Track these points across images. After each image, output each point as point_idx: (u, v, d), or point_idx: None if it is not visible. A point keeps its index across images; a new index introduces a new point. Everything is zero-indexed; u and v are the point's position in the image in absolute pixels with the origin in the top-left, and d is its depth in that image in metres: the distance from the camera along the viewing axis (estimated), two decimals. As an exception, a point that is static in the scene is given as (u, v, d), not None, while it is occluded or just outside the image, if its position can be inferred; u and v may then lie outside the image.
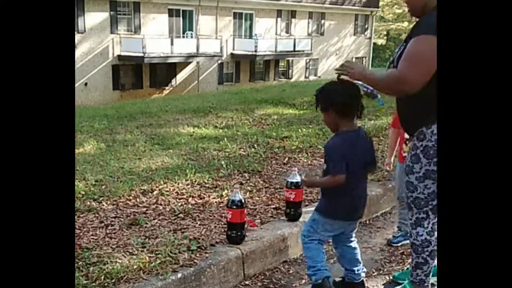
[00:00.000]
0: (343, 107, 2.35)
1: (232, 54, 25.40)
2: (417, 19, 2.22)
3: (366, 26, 32.37)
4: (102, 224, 3.10)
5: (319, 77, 28.20)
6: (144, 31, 21.73)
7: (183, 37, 23.37)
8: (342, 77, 2.40)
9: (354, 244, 2.61)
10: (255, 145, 5.13)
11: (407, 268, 2.75)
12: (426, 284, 2.40)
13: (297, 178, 3.09)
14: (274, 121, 6.58)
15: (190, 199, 3.55)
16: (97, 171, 4.15)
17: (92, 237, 2.89)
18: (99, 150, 5.01)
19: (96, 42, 20.78)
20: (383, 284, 2.78)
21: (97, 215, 3.24)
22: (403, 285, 2.53)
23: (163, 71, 23.11)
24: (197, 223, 3.11)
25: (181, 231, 2.97)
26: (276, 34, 27.16)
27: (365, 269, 2.65)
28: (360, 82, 2.38)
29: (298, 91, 10.46)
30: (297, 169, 3.24)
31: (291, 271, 2.90)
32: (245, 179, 4.02)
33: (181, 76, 23.94)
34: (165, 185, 3.81)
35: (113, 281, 2.38)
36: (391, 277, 2.83)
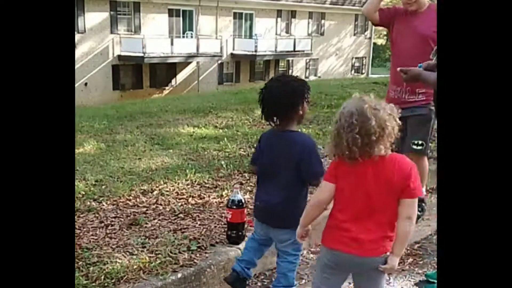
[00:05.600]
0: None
1: (232, 54, 25.40)
2: None
3: (366, 26, 32.35)
4: (102, 224, 3.10)
5: (319, 77, 28.20)
6: (144, 31, 21.73)
7: (183, 37, 23.37)
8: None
9: (280, 261, 2.39)
10: (255, 145, 5.12)
11: None
12: None
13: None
14: (274, 121, 6.57)
15: (190, 199, 3.55)
16: (97, 171, 4.15)
17: (92, 237, 2.89)
18: (99, 150, 5.01)
19: (96, 42, 20.78)
20: (415, 284, 2.78)
21: (97, 215, 3.24)
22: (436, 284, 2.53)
23: (163, 71, 23.11)
24: (197, 223, 3.11)
25: (181, 231, 2.97)
26: (276, 34, 27.16)
27: None
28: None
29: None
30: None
31: (291, 271, 2.90)
32: (245, 179, 4.02)
33: (181, 76, 23.94)
34: (165, 185, 3.81)
35: (113, 281, 2.39)
36: (423, 276, 2.83)
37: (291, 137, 2.27)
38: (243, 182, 3.94)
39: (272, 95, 2.26)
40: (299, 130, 2.40)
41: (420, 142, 3.35)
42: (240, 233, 2.82)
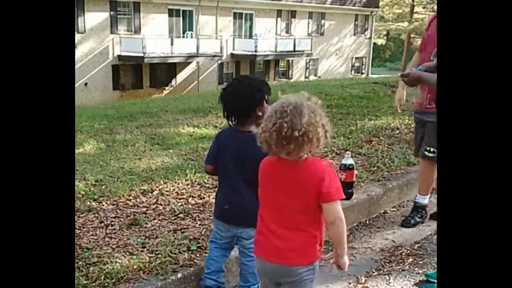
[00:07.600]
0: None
1: (232, 54, 25.40)
2: None
3: (366, 26, 32.37)
4: (102, 224, 3.10)
5: (319, 77, 28.21)
6: (144, 31, 21.74)
7: (183, 37, 23.37)
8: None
9: (248, 260, 2.37)
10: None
11: None
12: None
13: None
14: (274, 121, 6.57)
15: (190, 199, 3.55)
16: (97, 171, 4.15)
17: (92, 237, 2.90)
18: (99, 150, 5.01)
19: (96, 42, 20.78)
20: (415, 284, 2.79)
21: (97, 215, 3.24)
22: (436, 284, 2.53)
23: (163, 71, 23.12)
24: (197, 223, 3.11)
25: (181, 231, 2.97)
26: (276, 34, 27.16)
27: None
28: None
29: (297, 91, 10.46)
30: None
31: (291, 271, 2.90)
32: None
33: (181, 76, 23.95)
34: (165, 185, 3.81)
35: (113, 281, 2.39)
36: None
37: (252, 138, 2.13)
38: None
39: (229, 95, 2.27)
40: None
41: (432, 149, 3.32)
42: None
